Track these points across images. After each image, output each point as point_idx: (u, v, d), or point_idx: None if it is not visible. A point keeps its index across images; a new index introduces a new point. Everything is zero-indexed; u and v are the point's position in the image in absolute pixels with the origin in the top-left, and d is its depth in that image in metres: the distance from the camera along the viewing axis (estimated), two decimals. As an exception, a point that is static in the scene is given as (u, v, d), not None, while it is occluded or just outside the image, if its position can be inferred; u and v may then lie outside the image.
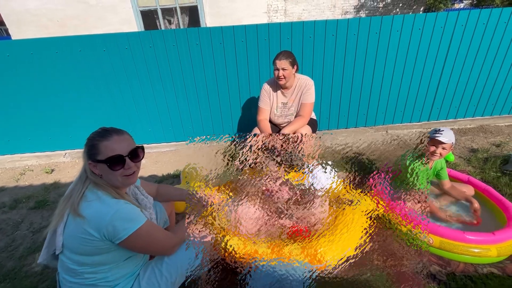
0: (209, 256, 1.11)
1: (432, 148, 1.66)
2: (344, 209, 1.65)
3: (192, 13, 5.71)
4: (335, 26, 2.56)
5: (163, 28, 5.71)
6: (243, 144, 1.80)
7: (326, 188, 1.65)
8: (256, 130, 2.19)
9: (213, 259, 1.14)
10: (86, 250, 0.88)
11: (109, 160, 0.91)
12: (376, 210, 1.64)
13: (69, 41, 2.47)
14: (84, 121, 2.81)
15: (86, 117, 2.80)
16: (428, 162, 1.72)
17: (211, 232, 1.30)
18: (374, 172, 1.99)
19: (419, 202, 1.66)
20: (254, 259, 1.29)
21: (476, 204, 1.66)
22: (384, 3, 7.73)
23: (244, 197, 1.56)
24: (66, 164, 2.93)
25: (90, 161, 0.92)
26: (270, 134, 1.82)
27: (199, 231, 1.29)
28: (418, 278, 1.42)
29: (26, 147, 2.93)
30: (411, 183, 1.77)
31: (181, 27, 5.74)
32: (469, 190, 1.80)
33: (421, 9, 7.93)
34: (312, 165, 1.75)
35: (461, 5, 12.63)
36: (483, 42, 2.75)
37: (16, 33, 5.32)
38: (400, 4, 7.77)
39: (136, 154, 0.99)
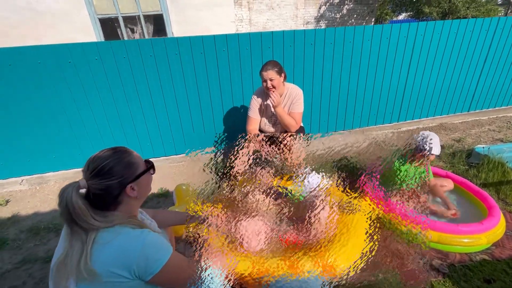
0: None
1: (421, 158, 1.77)
2: (346, 213, 1.67)
3: (157, 22, 5.48)
4: (313, 35, 2.65)
5: (125, 37, 5.38)
6: (230, 152, 1.74)
7: (322, 194, 1.67)
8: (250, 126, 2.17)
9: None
10: None
11: (148, 164, 0.93)
12: (374, 211, 1.70)
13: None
14: (41, 142, 2.48)
15: (43, 137, 2.47)
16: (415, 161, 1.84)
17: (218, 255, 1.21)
18: (364, 173, 2.06)
19: (417, 198, 1.76)
20: (266, 279, 1.23)
21: (453, 209, 1.79)
22: (340, 14, 8.32)
23: (243, 213, 1.50)
24: (24, 192, 2.54)
25: (131, 183, 0.83)
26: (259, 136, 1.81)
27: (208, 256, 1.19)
28: (423, 273, 1.49)
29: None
30: (405, 182, 1.87)
31: (146, 36, 5.47)
32: (449, 184, 1.97)
33: (373, 19, 8.70)
34: (304, 172, 1.76)
35: (401, 17, 14.31)
36: (439, 51, 3.09)
37: None
38: (355, 15, 8.44)
39: None
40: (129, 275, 0.74)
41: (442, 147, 2.84)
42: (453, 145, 2.87)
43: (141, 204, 0.95)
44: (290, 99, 2.12)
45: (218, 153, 1.90)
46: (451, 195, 1.93)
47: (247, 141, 1.81)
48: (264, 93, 2.12)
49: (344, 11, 8.33)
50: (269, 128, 2.20)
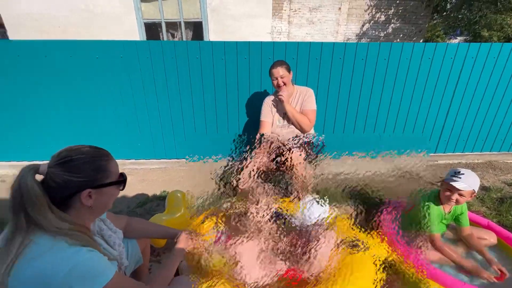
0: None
1: (447, 193, 1.45)
2: (350, 253, 1.42)
3: (196, 29, 5.71)
4: (343, 49, 2.46)
5: (166, 41, 5.67)
6: (238, 164, 1.61)
7: (325, 224, 1.45)
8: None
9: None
10: None
11: (120, 178, 0.83)
12: (388, 256, 1.43)
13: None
14: (64, 133, 2.61)
15: (67, 128, 2.60)
16: (444, 204, 1.52)
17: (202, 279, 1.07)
18: (382, 208, 1.78)
19: (425, 247, 1.45)
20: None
21: (497, 268, 1.38)
22: (385, 32, 7.91)
23: (242, 235, 1.33)
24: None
25: (90, 189, 0.73)
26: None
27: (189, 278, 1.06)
28: None
29: (1, 154, 2.68)
30: (423, 225, 1.57)
31: (184, 41, 5.71)
32: (490, 237, 1.60)
33: (421, 40, 8.12)
34: (308, 197, 1.56)
35: (456, 41, 13.17)
36: (493, 77, 2.66)
37: (15, 36, 5.21)
38: (401, 35, 7.96)
39: None
40: None
41: (488, 189, 2.38)
42: (502, 188, 2.39)
43: (93, 219, 0.84)
44: (301, 97, 2.04)
45: (230, 163, 1.79)
46: (491, 251, 1.55)
47: (254, 151, 1.67)
48: (276, 99, 2.06)
49: (390, 29, 7.91)
50: (281, 130, 2.07)
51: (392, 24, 7.84)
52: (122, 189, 0.85)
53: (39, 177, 0.73)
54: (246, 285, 1.14)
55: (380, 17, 7.75)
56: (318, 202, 1.54)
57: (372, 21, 7.79)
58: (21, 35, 5.21)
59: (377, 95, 2.69)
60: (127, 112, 2.60)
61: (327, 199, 1.54)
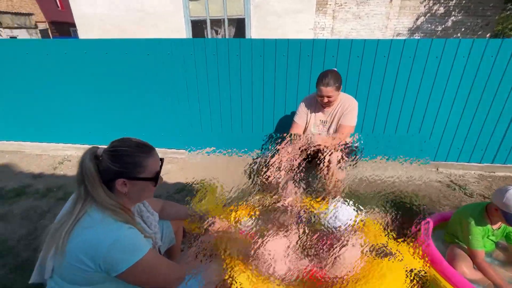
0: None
1: (495, 214, 1.30)
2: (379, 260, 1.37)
3: (239, 25, 5.84)
4: (388, 46, 2.31)
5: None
6: (268, 160, 1.64)
7: (353, 228, 1.41)
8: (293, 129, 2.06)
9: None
10: (77, 280, 0.77)
11: (156, 177, 0.89)
12: (422, 269, 1.35)
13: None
14: (118, 121, 2.92)
15: (121, 117, 2.91)
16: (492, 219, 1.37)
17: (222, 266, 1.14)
18: (421, 219, 1.67)
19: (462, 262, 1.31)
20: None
21: None
22: (443, 26, 7.14)
23: (271, 229, 1.38)
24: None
25: (125, 178, 0.83)
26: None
27: (207, 263, 1.14)
28: None
29: (69, 137, 3.12)
30: (461, 238, 1.43)
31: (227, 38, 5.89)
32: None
33: (487, 35, 7.15)
34: (338, 199, 1.53)
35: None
36: None
37: (84, 35, 5.94)
38: (462, 29, 7.11)
39: (161, 167, 0.95)
40: (94, 267, 0.75)
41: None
42: None
43: (131, 204, 0.93)
44: (342, 109, 1.91)
45: (261, 159, 1.85)
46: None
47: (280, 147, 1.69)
48: (315, 100, 1.98)
49: (449, 23, 7.11)
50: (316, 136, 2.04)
51: (453, 17, 7.03)
52: (154, 186, 0.91)
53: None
54: (270, 276, 1.18)
55: (438, 9, 7.01)
56: (348, 205, 1.51)
57: (428, 14, 7.09)
58: (89, 34, 5.91)
59: (424, 96, 2.47)
60: (171, 105, 2.82)
61: (359, 203, 1.50)
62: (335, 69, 1.90)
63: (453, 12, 6.97)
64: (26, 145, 3.21)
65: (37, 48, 2.74)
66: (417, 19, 7.18)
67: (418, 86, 2.44)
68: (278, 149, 1.61)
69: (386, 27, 7.36)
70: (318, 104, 1.97)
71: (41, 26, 12.67)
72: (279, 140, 1.60)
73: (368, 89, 2.51)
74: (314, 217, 1.51)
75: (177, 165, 2.85)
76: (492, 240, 1.42)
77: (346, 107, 1.90)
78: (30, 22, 12.21)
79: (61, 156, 3.03)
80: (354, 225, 1.35)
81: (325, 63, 2.45)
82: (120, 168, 0.82)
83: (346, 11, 7.26)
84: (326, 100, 1.83)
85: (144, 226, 1.00)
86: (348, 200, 1.53)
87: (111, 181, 0.84)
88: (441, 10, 6.98)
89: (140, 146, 0.88)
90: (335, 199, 1.56)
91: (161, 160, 0.94)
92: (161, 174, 0.94)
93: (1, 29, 10.84)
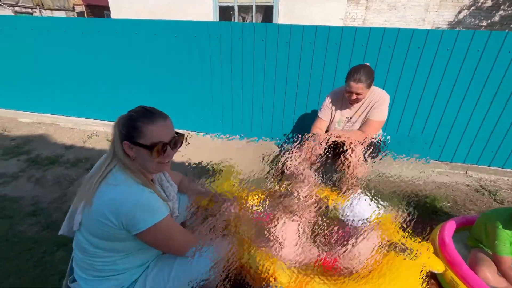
0: (222, 273, 0.98)
1: None
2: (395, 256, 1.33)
3: (267, 13, 5.73)
4: (425, 36, 2.17)
5: (236, 24, 5.88)
6: (289, 149, 1.63)
7: (370, 223, 1.38)
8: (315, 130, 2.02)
9: (226, 276, 1.01)
10: (102, 234, 0.83)
11: (153, 146, 0.86)
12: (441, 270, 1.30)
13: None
14: (143, 100, 3.01)
15: (147, 96, 3.01)
16: None
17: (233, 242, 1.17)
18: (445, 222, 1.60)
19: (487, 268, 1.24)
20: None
21: None
22: (489, 21, 6.54)
23: (286, 213, 1.39)
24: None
25: (127, 141, 0.86)
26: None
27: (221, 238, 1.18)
28: None
29: (99, 114, 3.30)
30: (486, 244, 1.35)
31: (254, 25, 5.82)
32: None
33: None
34: (358, 193, 1.49)
35: None
36: None
37: (116, 16, 6.14)
38: (511, 25, 6.47)
39: (176, 142, 0.93)
40: (117, 223, 0.81)
41: None
42: None
43: (148, 172, 0.94)
44: (371, 103, 1.82)
45: (282, 148, 1.84)
46: None
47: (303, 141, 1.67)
48: (341, 99, 1.92)
49: (497, 18, 6.50)
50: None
51: (502, 11, 6.41)
52: (151, 156, 0.87)
53: None
54: (282, 260, 1.20)
55: (485, 2, 6.41)
56: (366, 200, 1.47)
57: (473, 7, 6.52)
58: (120, 15, 6.10)
59: (459, 93, 2.31)
60: (195, 88, 2.87)
61: (378, 199, 1.46)
62: (368, 64, 1.80)
63: (502, 6, 6.34)
64: (60, 119, 3.44)
65: (74, 26, 2.89)
66: (459, 12, 6.63)
67: (454, 82, 2.28)
68: (301, 144, 1.59)
69: (423, 20, 6.87)
70: (344, 99, 1.89)
71: (78, 8, 13.33)
72: (299, 139, 1.57)
73: (397, 83, 2.38)
74: (332, 207, 1.50)
75: (195, 146, 2.92)
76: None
77: (376, 100, 1.80)
78: (68, 5, 12.87)
79: (90, 131, 3.21)
80: (371, 218, 1.32)
81: (353, 53, 2.35)
82: (123, 130, 0.87)
83: (381, 1, 6.86)
84: (354, 97, 1.74)
85: (163, 195, 1.04)
86: (367, 194, 1.49)
87: (121, 144, 0.88)
88: (489, 2, 6.38)
89: (145, 111, 0.88)
90: (354, 193, 1.53)
91: (177, 134, 0.93)
92: (179, 152, 0.95)
93: (42, 10, 11.52)
